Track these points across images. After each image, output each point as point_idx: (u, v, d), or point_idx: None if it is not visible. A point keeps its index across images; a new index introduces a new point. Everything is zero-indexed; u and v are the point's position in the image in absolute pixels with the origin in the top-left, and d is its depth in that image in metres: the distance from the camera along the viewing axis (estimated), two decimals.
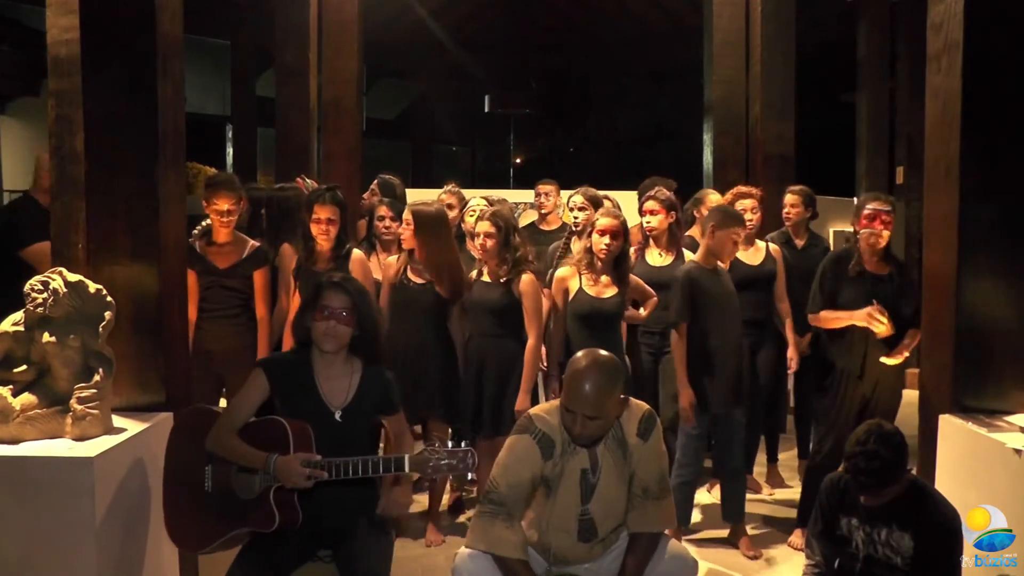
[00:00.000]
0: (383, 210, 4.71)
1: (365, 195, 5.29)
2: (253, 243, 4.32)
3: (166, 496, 2.85)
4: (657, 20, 11.90)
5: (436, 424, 4.26)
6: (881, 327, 3.84)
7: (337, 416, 2.79)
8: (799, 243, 5.15)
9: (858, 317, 3.91)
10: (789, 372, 4.69)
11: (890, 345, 3.93)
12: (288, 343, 4.15)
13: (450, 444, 2.61)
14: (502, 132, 14.68)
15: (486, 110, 13.42)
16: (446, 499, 4.69)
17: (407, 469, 2.59)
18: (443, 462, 2.58)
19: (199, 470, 2.77)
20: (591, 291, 4.08)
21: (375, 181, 5.44)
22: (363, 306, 2.83)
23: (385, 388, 2.89)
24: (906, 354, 3.95)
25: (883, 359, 3.92)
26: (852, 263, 4.02)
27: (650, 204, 4.58)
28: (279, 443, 2.66)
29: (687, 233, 5.29)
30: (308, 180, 4.90)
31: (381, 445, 4.15)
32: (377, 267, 4.48)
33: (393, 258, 4.36)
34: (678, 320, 4.08)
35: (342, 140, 6.68)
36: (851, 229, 4.14)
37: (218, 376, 4.24)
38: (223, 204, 4.09)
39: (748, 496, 4.40)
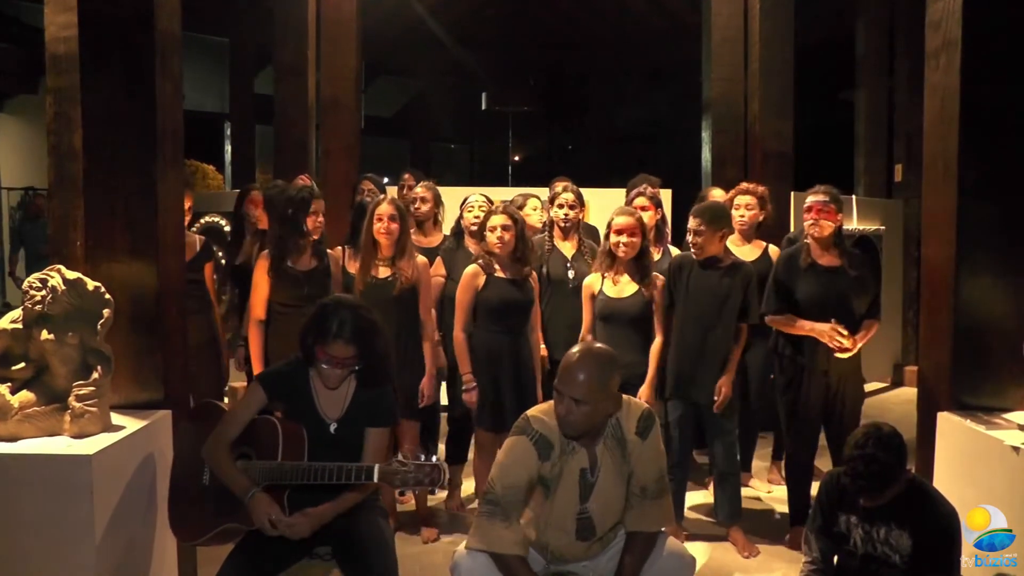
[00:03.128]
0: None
1: (357, 196, 5.26)
2: (200, 237, 4.53)
3: (171, 485, 2.88)
4: (656, 18, 11.90)
5: (405, 421, 4.16)
6: (841, 345, 3.89)
7: (332, 428, 2.81)
8: None
9: (819, 331, 3.95)
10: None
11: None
12: (255, 346, 4.10)
13: (422, 457, 2.61)
14: (500, 129, 14.65)
15: (484, 107, 13.41)
16: (445, 495, 4.69)
17: (376, 479, 2.59)
18: (411, 475, 2.56)
19: (199, 462, 2.79)
20: (610, 292, 4.10)
21: (364, 180, 5.42)
22: (369, 346, 2.78)
23: (378, 400, 2.88)
24: (860, 344, 3.98)
25: (837, 353, 3.94)
26: (802, 256, 4.07)
27: (640, 200, 4.58)
28: (270, 443, 2.68)
29: None
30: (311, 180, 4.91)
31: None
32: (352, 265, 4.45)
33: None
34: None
35: (340, 137, 6.69)
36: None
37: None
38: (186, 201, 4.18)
39: (747, 494, 4.40)
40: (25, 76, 9.60)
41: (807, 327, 3.99)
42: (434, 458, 2.61)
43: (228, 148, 11.84)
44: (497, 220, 4.13)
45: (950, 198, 3.27)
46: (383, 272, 4.16)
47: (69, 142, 3.15)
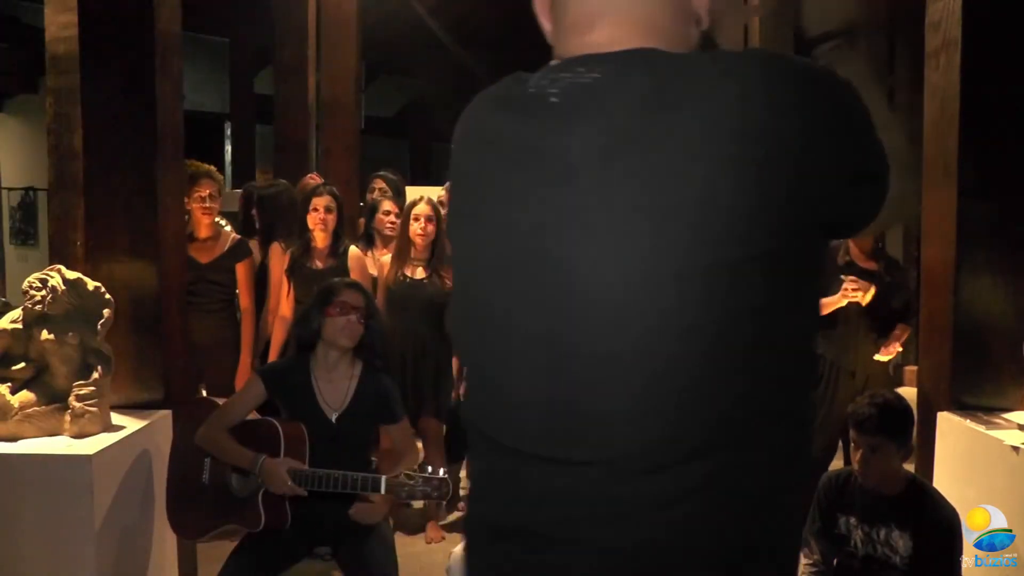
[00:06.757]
0: (389, 205, 4.69)
1: (369, 195, 5.27)
2: (234, 236, 4.41)
3: (168, 483, 2.88)
4: None
5: (428, 420, 4.22)
6: (857, 295, 3.86)
7: (333, 419, 2.80)
8: None
9: (836, 299, 3.92)
10: None
11: (878, 337, 3.98)
12: (277, 342, 4.17)
13: (429, 469, 2.62)
14: None
15: None
16: None
17: (383, 490, 2.59)
18: (418, 488, 2.58)
19: (198, 461, 2.79)
20: None
21: (377, 179, 5.41)
22: (374, 308, 2.86)
23: (384, 395, 2.88)
24: (897, 348, 3.98)
25: (876, 356, 3.95)
26: (840, 254, 4.08)
27: None
28: (271, 444, 2.68)
29: None
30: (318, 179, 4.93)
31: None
32: (373, 263, 4.47)
33: (388, 256, 4.35)
34: None
35: (341, 137, 6.68)
36: None
37: (198, 368, 4.27)
38: (205, 190, 4.19)
39: None
40: (25, 76, 9.58)
41: (827, 303, 3.92)
42: (441, 471, 2.61)
43: (228, 148, 11.83)
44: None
45: (950, 198, 3.26)
46: (417, 273, 4.18)
47: (69, 142, 3.15)
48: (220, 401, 3.01)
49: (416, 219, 4.17)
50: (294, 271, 4.16)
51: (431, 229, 4.16)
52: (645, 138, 0.94)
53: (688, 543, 0.96)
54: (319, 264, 4.16)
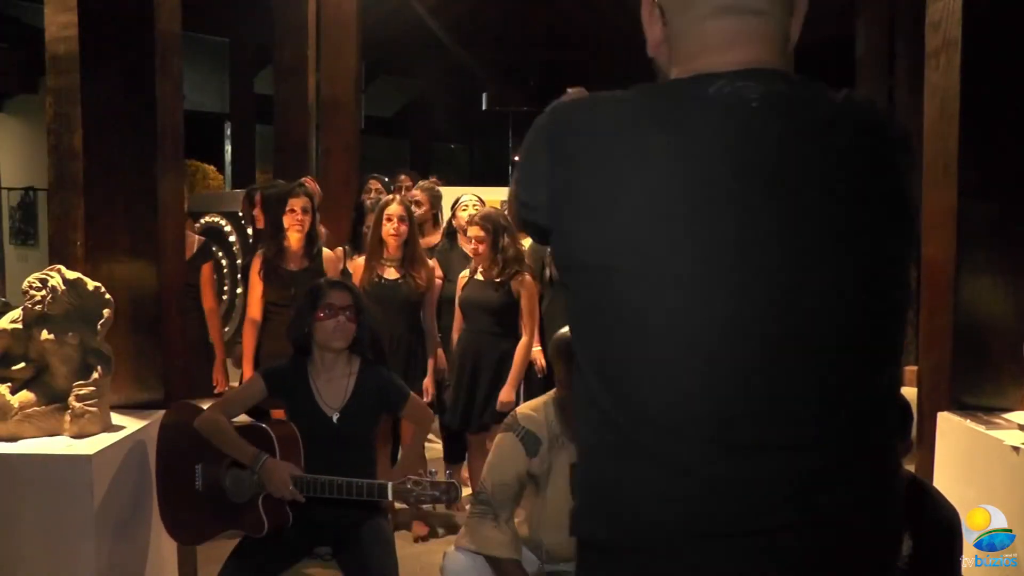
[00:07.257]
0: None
1: (365, 195, 5.27)
2: (198, 238, 4.50)
3: (159, 491, 2.86)
4: None
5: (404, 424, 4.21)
6: None
7: (335, 418, 2.80)
8: None
9: None
10: None
11: None
12: (248, 345, 4.14)
13: (434, 472, 2.61)
14: (500, 129, 14.64)
15: (484, 107, 13.40)
16: None
17: (389, 497, 2.59)
18: (426, 492, 2.56)
19: (189, 468, 2.77)
20: None
21: (372, 180, 5.42)
22: (362, 303, 2.85)
23: (384, 384, 2.88)
24: None
25: None
26: None
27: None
28: (265, 450, 2.67)
29: None
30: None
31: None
32: (351, 265, 4.48)
33: (361, 259, 4.35)
34: None
35: (340, 137, 6.69)
36: None
37: None
38: None
39: None
40: (25, 76, 9.59)
41: None
42: (448, 473, 2.61)
43: (228, 148, 11.84)
44: (472, 232, 4.27)
45: (950, 197, 3.26)
46: (390, 274, 4.18)
47: (69, 142, 3.15)
48: (202, 405, 2.99)
49: (389, 219, 4.15)
50: (267, 273, 4.14)
51: (403, 229, 4.15)
52: (819, 151, 1.08)
53: (861, 519, 1.08)
54: (293, 266, 4.15)
